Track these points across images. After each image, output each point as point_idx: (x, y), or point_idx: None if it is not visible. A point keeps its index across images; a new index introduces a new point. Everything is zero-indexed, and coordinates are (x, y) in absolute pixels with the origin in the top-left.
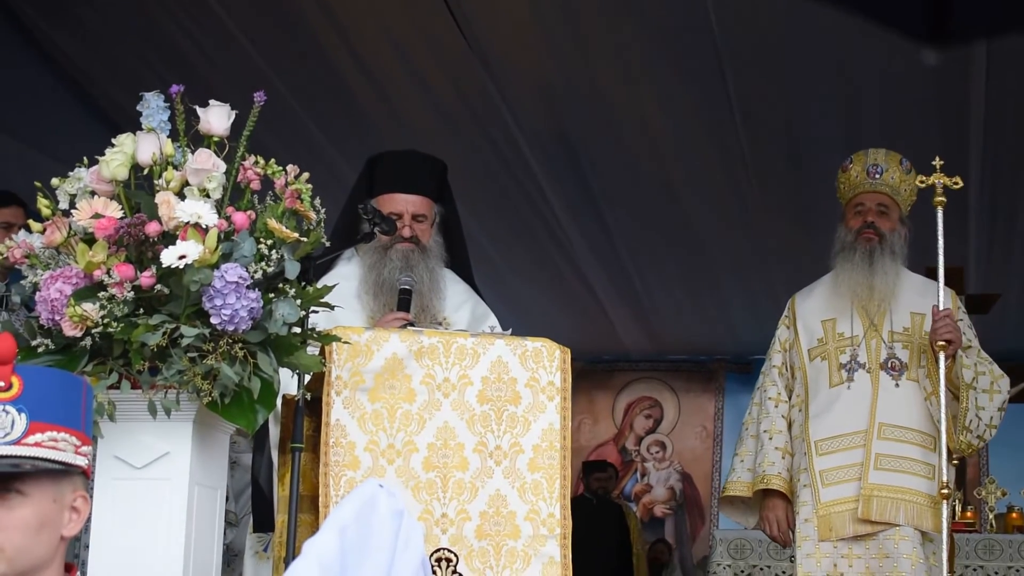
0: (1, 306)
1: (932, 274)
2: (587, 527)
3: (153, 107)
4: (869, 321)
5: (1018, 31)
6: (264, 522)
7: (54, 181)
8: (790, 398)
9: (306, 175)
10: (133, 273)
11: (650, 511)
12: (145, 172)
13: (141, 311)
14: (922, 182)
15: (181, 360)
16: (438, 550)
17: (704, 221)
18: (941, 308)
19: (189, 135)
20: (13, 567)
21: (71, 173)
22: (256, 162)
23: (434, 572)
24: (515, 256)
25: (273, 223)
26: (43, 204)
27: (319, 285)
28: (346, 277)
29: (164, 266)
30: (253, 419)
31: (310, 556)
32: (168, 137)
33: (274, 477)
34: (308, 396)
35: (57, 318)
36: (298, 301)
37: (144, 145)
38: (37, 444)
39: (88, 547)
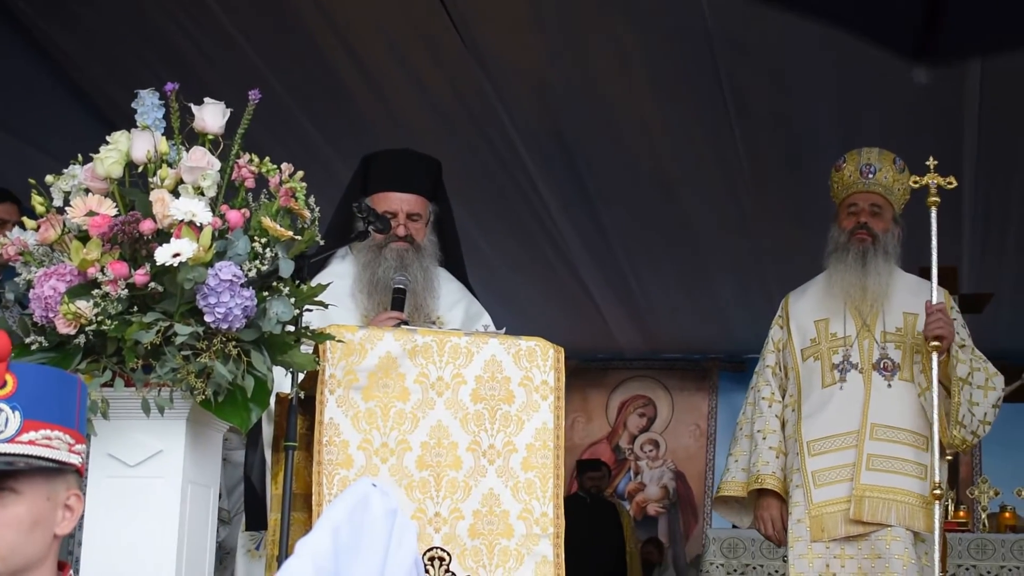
0: None
1: (926, 274)
2: (581, 526)
3: (148, 104)
4: (862, 321)
5: (1011, 49)
6: (257, 520)
7: (48, 178)
8: (783, 398)
9: (300, 173)
10: (127, 271)
11: (643, 510)
12: (140, 170)
13: (135, 309)
14: (916, 182)
15: (175, 358)
16: (431, 549)
17: (699, 220)
18: (934, 303)
19: (184, 133)
20: (6, 565)
21: (65, 170)
22: (251, 160)
23: (427, 571)
24: (510, 254)
25: (267, 221)
26: (37, 201)
27: (313, 283)
28: (340, 276)
29: (158, 264)
30: (247, 417)
31: (303, 555)
32: (163, 135)
33: (267, 475)
34: (302, 394)
35: (51, 315)
36: (292, 299)
37: (139, 143)
38: (31, 442)
39: (81, 545)
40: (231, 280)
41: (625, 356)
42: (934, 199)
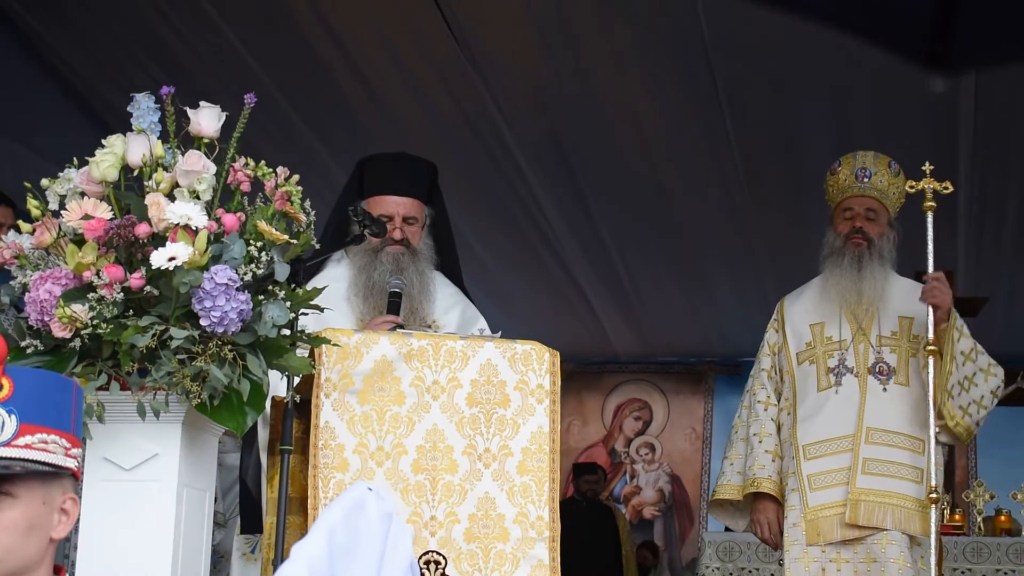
0: None
1: (921, 278)
2: (577, 530)
3: (144, 108)
4: (857, 325)
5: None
6: (252, 523)
7: (44, 182)
8: (779, 401)
9: (296, 177)
10: (123, 274)
11: (639, 513)
12: (135, 173)
13: (130, 312)
14: (912, 187)
15: (170, 362)
16: (427, 552)
17: (695, 224)
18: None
19: (180, 136)
20: (2, 569)
21: (61, 174)
22: (246, 164)
23: (423, 575)
24: (505, 257)
25: (263, 225)
26: (33, 205)
27: (309, 287)
28: (336, 279)
29: (154, 268)
30: (242, 421)
31: (299, 559)
32: (158, 138)
33: (262, 478)
34: (297, 398)
35: (46, 319)
36: (288, 303)
37: (134, 146)
38: (27, 446)
39: (77, 548)
40: (227, 284)
41: (621, 359)
42: (930, 204)
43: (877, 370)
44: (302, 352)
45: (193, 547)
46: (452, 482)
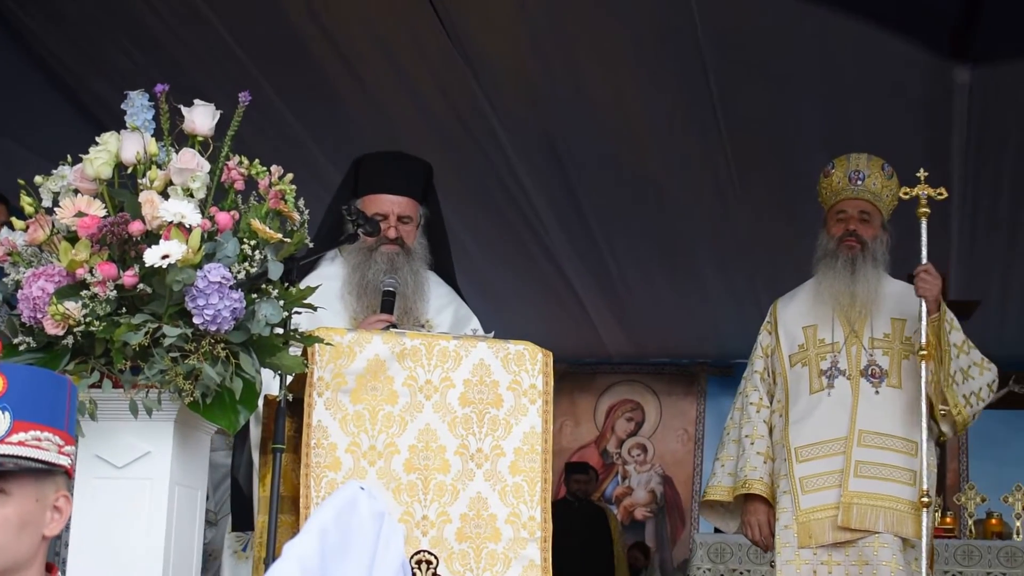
0: None
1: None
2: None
3: (137, 106)
4: (850, 328)
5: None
6: (243, 521)
7: (37, 179)
8: (771, 403)
9: (290, 176)
10: (116, 272)
11: (631, 514)
12: (129, 171)
13: (123, 310)
14: (906, 193)
15: (163, 360)
16: (419, 552)
17: (688, 225)
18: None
19: (173, 134)
20: None
21: (55, 171)
22: (240, 162)
23: (414, 574)
24: (498, 257)
25: (257, 223)
26: (26, 202)
27: (302, 286)
28: (329, 278)
29: (147, 265)
30: (235, 419)
31: (290, 558)
32: (152, 136)
33: (254, 477)
34: (290, 397)
35: (39, 316)
36: (281, 302)
37: (128, 144)
38: (20, 443)
39: (69, 546)
40: (220, 282)
41: (613, 360)
42: (924, 210)
43: (869, 372)
44: (295, 351)
45: (185, 545)
46: (444, 482)
